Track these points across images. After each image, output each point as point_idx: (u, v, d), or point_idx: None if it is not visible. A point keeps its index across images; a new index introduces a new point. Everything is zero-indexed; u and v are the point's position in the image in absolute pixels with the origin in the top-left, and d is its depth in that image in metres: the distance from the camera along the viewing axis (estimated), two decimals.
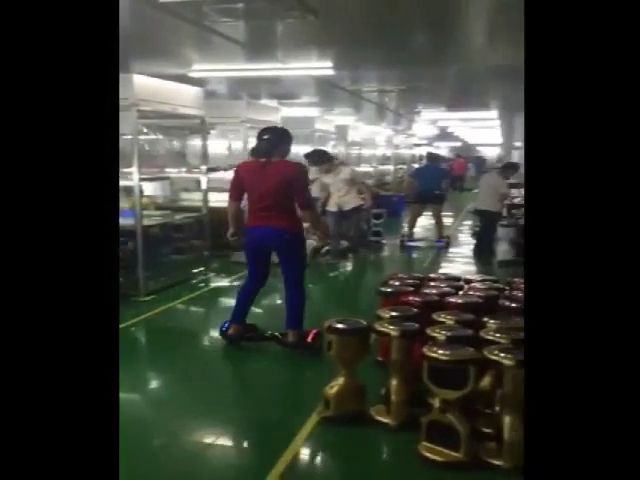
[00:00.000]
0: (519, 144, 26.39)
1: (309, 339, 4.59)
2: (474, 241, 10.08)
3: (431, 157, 11.64)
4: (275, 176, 4.54)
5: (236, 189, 4.75)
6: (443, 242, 10.26)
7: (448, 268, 8.53)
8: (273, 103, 12.11)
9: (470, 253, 9.65)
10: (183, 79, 7.61)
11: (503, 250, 8.61)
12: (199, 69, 8.74)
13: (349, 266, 8.85)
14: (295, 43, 7.23)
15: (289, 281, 4.75)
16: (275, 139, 4.63)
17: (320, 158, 8.63)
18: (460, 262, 9.30)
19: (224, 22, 5.62)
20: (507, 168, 9.91)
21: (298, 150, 11.87)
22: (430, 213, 10.65)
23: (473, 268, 8.68)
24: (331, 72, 8.58)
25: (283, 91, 11.73)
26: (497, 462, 2.99)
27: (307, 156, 8.71)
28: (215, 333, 5.24)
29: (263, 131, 4.72)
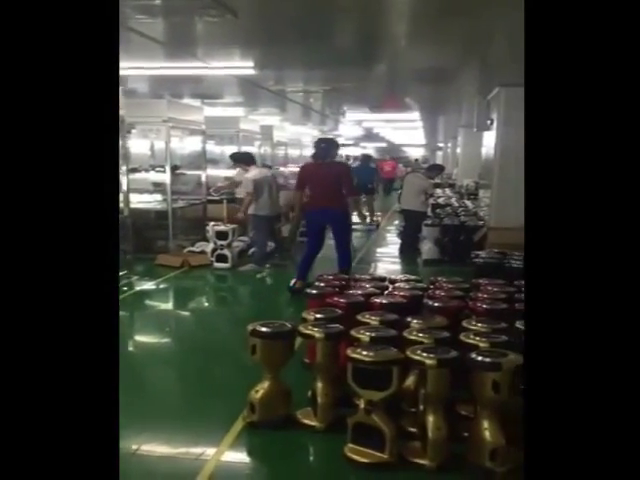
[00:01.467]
0: (442, 144, 27.04)
1: None
2: (400, 241, 10.28)
3: (364, 158, 14.80)
4: (329, 172, 6.49)
5: (301, 183, 6.70)
6: (374, 225, 12.63)
7: (373, 268, 8.62)
8: (196, 102, 11.91)
9: (396, 253, 9.81)
10: None
11: (428, 249, 8.76)
12: None
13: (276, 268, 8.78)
14: (216, 42, 7.11)
15: (341, 245, 6.60)
16: (328, 146, 6.71)
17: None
18: (386, 262, 9.43)
19: (141, 20, 5.46)
20: (433, 169, 10.41)
21: (224, 150, 11.80)
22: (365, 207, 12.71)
23: (399, 268, 8.81)
24: (253, 72, 8.50)
25: (206, 90, 11.53)
26: (422, 461, 3.02)
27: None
28: (140, 338, 5.10)
29: (320, 140, 6.97)
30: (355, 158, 21.86)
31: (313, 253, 6.74)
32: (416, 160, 31.23)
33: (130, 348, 5.20)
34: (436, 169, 10.60)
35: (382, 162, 23.07)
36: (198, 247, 8.57)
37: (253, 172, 8.10)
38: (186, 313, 6.66)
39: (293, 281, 6.69)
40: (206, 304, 7.17)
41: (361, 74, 9.32)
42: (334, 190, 6.41)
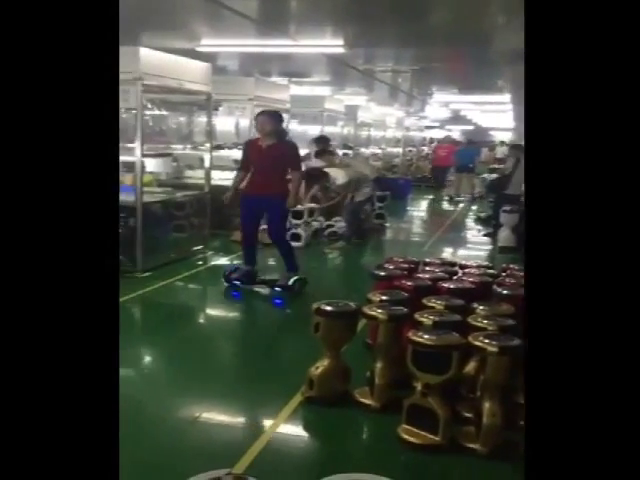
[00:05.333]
0: None
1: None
2: (479, 227, 10.12)
3: (468, 142, 17.72)
4: (272, 154, 5.62)
5: (245, 163, 5.96)
6: (472, 197, 15.43)
7: (446, 253, 8.53)
8: (284, 81, 12.03)
9: (470, 238, 9.67)
10: (193, 54, 7.55)
11: (504, 236, 8.57)
12: (208, 44, 8.67)
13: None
14: (308, 19, 7.13)
15: (278, 240, 5.98)
16: (274, 121, 5.71)
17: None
18: (460, 248, 9.32)
19: None
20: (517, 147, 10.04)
21: (306, 129, 11.86)
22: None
23: (473, 253, 8.67)
24: (342, 50, 8.49)
25: (294, 69, 11.62)
26: (474, 446, 3.01)
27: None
28: (211, 311, 5.28)
29: (264, 114, 5.80)
30: (431, 140, 21.74)
31: (247, 235, 5.94)
32: (502, 142, 30.15)
33: (200, 320, 5.40)
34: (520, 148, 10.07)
35: (437, 147, 19.55)
36: None
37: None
38: (256, 289, 6.79)
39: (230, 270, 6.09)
40: None
41: (453, 53, 9.12)
42: (274, 175, 5.65)
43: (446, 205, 15.03)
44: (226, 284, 5.92)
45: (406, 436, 3.10)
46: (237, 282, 5.87)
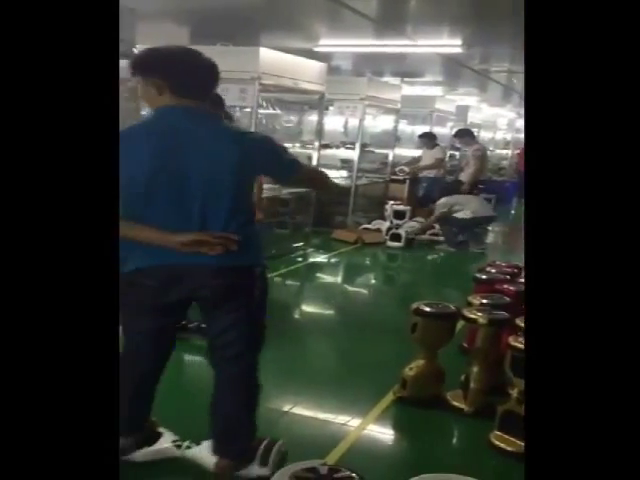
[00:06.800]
0: None
1: None
2: None
3: None
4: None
5: None
6: None
7: None
8: (396, 81, 12.03)
9: None
10: (309, 54, 7.71)
11: None
12: (325, 44, 8.83)
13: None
14: (427, 19, 7.11)
15: None
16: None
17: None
18: None
19: None
20: None
21: (414, 130, 11.77)
22: None
23: None
24: (459, 50, 8.41)
25: (407, 69, 11.60)
26: None
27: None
28: (306, 307, 5.37)
29: None
30: None
31: None
32: None
33: (295, 316, 5.49)
34: None
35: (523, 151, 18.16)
36: (374, 225, 8.72)
37: None
38: (352, 288, 6.86)
39: None
40: (372, 281, 7.32)
41: None
42: None
43: None
44: None
45: (498, 442, 3.09)
46: None
